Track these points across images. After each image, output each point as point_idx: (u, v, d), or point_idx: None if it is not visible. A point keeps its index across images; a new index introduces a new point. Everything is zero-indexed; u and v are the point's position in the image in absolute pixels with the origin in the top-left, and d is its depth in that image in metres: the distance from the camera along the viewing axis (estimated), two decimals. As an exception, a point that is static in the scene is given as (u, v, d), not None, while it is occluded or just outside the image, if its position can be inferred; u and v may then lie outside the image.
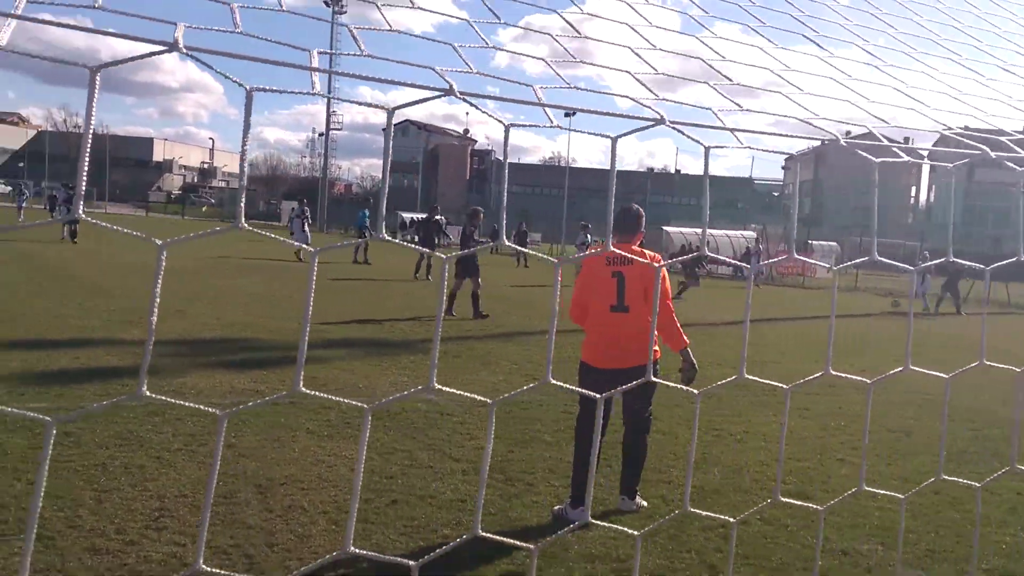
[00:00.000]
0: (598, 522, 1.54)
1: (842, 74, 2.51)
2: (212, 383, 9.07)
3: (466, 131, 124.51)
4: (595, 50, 2.58)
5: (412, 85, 1.20)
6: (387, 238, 1.31)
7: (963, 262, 1.68)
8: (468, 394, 1.47)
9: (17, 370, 8.94)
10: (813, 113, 2.41)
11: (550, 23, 2.65)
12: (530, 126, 1.45)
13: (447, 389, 1.41)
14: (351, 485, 6.14)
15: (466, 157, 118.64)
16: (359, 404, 1.28)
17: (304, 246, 1.48)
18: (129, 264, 21.82)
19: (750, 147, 1.52)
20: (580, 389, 1.51)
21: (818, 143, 2.60)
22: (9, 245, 24.86)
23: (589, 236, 31.82)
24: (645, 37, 2.28)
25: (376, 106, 1.25)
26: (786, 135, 1.71)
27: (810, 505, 1.84)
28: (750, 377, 1.62)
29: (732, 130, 1.57)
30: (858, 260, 1.64)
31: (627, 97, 1.92)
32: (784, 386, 1.64)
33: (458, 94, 1.23)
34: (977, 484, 1.86)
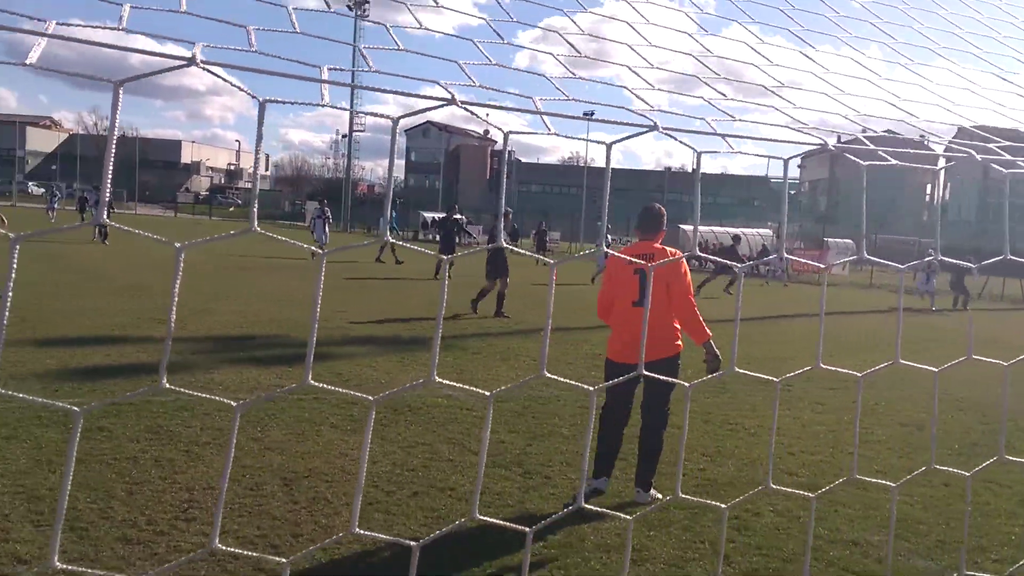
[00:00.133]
0: (590, 506, 1.58)
1: (869, 72, 2.54)
2: (239, 379, 9.18)
3: (486, 132, 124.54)
4: (612, 51, 2.62)
5: (416, 95, 1.25)
6: (391, 240, 1.36)
7: (949, 260, 1.71)
8: (466, 387, 1.52)
9: (53, 367, 9.08)
10: (825, 111, 2.44)
11: (568, 25, 2.69)
12: (529, 133, 1.49)
13: (446, 382, 1.46)
14: (374, 477, 6.21)
15: (486, 157, 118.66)
16: (364, 396, 1.33)
17: (315, 249, 1.53)
18: (159, 263, 22.05)
19: (740, 151, 1.56)
20: (573, 382, 1.55)
21: (834, 141, 2.63)
22: (42, 246, 25.18)
23: (609, 235, 31.81)
24: (646, 37, 2.32)
25: (380, 115, 1.29)
26: (777, 140, 1.74)
27: (801, 492, 1.87)
28: (739, 371, 1.66)
29: (723, 135, 1.60)
30: (847, 259, 1.67)
31: (640, 98, 1.96)
32: (775, 379, 1.67)
33: (459, 103, 1.28)
34: (967, 473, 1.89)
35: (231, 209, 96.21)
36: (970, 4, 3.48)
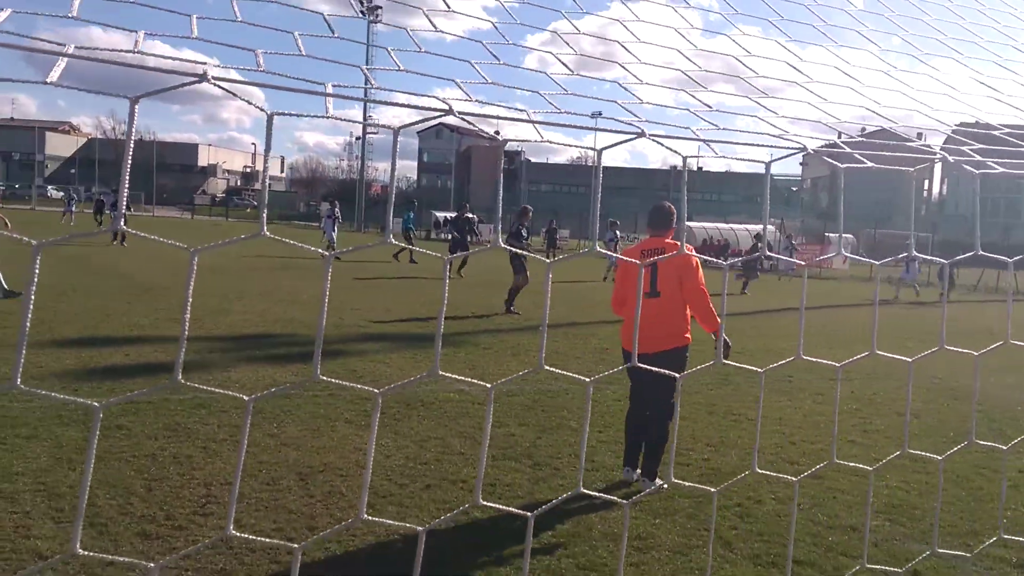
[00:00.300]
0: (588, 491, 1.62)
1: (853, 72, 2.57)
2: (256, 377, 9.24)
3: (497, 132, 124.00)
4: (618, 53, 2.66)
5: (415, 107, 1.29)
6: (393, 241, 1.40)
7: (922, 256, 1.74)
8: (468, 379, 1.56)
9: (72, 367, 9.16)
10: (825, 112, 2.47)
11: (579, 27, 2.72)
12: (522, 141, 1.53)
13: (449, 375, 1.50)
14: (388, 471, 6.27)
15: (497, 158, 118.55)
16: (370, 389, 1.37)
17: (324, 252, 1.57)
18: (175, 264, 22.15)
19: (724, 156, 1.59)
20: (570, 373, 1.59)
21: (835, 138, 2.66)
22: (62, 248, 25.33)
23: (617, 232, 31.75)
24: (649, 40, 2.36)
25: (382, 126, 1.33)
26: (759, 144, 1.77)
27: (785, 477, 1.90)
28: (727, 363, 1.70)
29: (707, 141, 1.64)
30: (829, 255, 1.70)
31: (639, 99, 2.00)
32: (759, 369, 1.71)
33: (456, 114, 1.32)
34: (939, 457, 1.92)
35: (247, 211, 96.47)
36: (954, 10, 3.51)
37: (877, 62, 3.18)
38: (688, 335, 6.16)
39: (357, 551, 4.88)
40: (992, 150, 2.05)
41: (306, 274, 22.74)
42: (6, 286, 14.13)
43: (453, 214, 32.51)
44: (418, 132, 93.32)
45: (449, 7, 1.97)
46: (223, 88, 1.13)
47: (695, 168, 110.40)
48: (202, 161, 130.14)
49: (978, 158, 1.85)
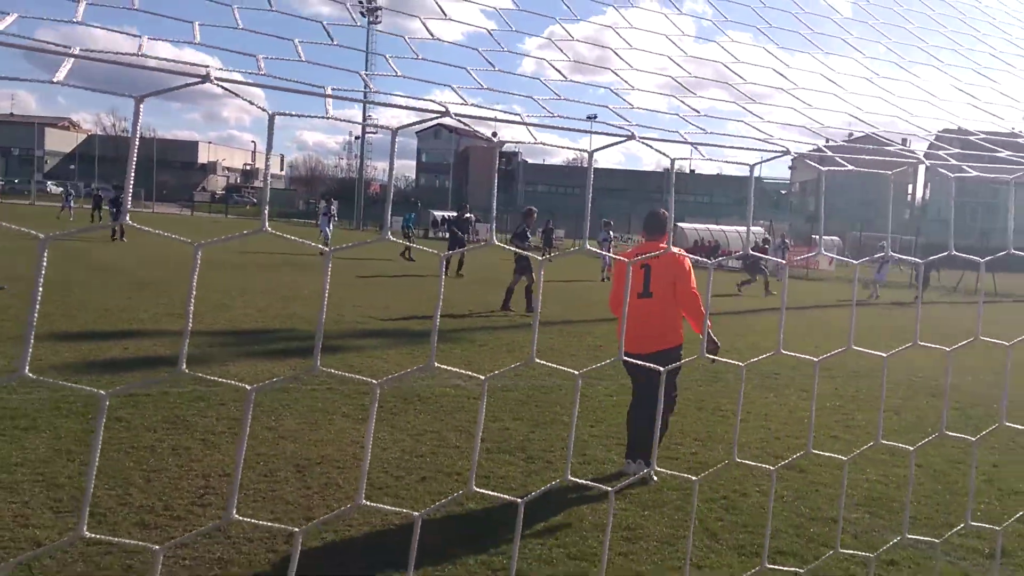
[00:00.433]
0: (576, 479, 1.65)
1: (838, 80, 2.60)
2: (255, 371, 9.26)
3: (494, 133, 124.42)
4: (613, 58, 2.68)
5: (413, 109, 1.31)
6: (392, 238, 1.43)
7: (898, 256, 1.77)
8: (463, 372, 1.59)
9: (71, 360, 9.15)
10: (810, 119, 2.50)
11: (573, 33, 2.75)
12: (518, 143, 1.56)
13: (445, 367, 1.53)
14: (384, 464, 6.29)
15: (494, 159, 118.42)
16: (369, 380, 1.39)
17: (323, 248, 1.60)
18: (174, 260, 22.12)
19: (712, 159, 1.62)
20: (560, 367, 1.62)
21: (820, 143, 2.69)
22: (62, 244, 25.26)
23: (611, 232, 31.75)
24: (640, 46, 2.38)
25: (381, 126, 1.36)
26: (745, 148, 1.80)
27: (763, 466, 1.93)
28: (708, 356, 1.73)
29: (694, 144, 1.67)
30: (808, 255, 1.73)
31: (630, 103, 2.02)
32: (740, 363, 1.74)
33: (453, 116, 1.34)
34: (911, 448, 1.96)
35: (247, 208, 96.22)
36: (936, 18, 3.54)
37: (861, 69, 3.21)
38: (680, 335, 6.27)
39: (352, 540, 4.91)
40: (970, 155, 2.08)
41: (306, 270, 22.74)
42: None
43: (453, 213, 32.62)
44: (417, 133, 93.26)
45: (446, 14, 1.99)
46: (225, 88, 1.15)
47: (688, 171, 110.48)
48: (202, 158, 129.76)
49: (954, 163, 1.89)
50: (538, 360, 1.51)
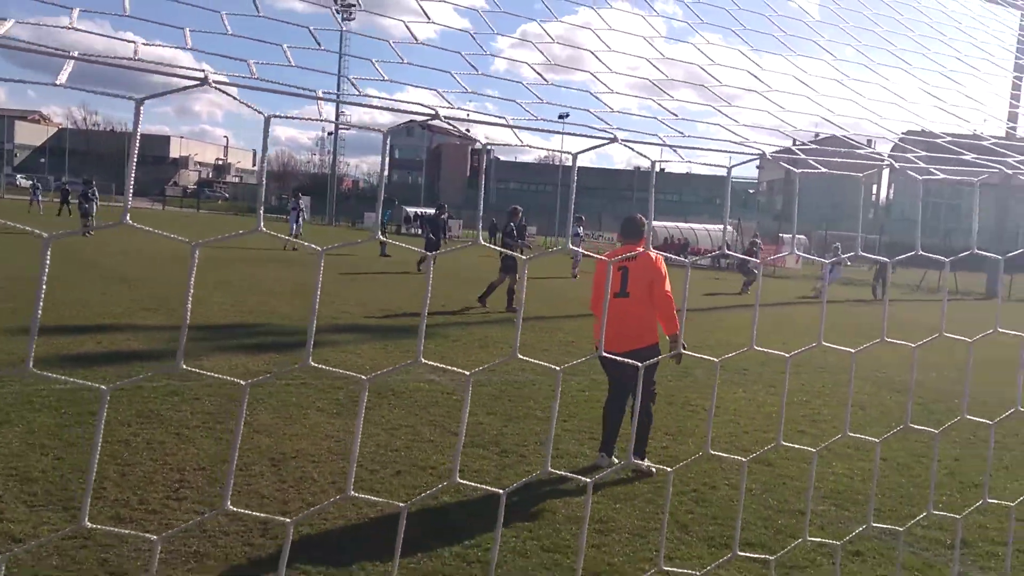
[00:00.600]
0: (556, 471, 1.69)
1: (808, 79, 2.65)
2: (229, 365, 9.20)
3: (467, 131, 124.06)
4: (586, 57, 2.71)
5: (402, 111, 1.34)
6: (382, 238, 1.45)
7: (871, 256, 1.81)
8: (450, 367, 1.61)
9: (43, 354, 9.03)
10: (783, 121, 2.55)
11: (544, 32, 2.77)
12: (503, 144, 1.58)
13: (432, 363, 1.55)
14: (359, 458, 6.29)
15: (466, 156, 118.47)
16: (358, 376, 1.42)
17: (291, 239, 1.62)
18: (146, 254, 21.89)
19: (690, 162, 1.66)
20: (541, 362, 1.66)
21: (788, 144, 2.73)
22: (34, 239, 24.89)
23: (582, 228, 31.79)
24: (612, 45, 2.42)
25: (373, 129, 1.38)
26: (722, 150, 1.84)
27: (735, 458, 1.99)
28: (686, 352, 1.77)
29: (673, 147, 1.71)
30: (783, 254, 1.78)
31: (606, 104, 2.06)
32: (715, 359, 1.78)
33: (443, 118, 1.37)
34: (876, 440, 2.02)
35: (219, 203, 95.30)
36: (904, 21, 3.62)
37: (832, 71, 3.27)
38: (656, 334, 6.43)
39: (328, 533, 4.91)
40: (937, 157, 2.14)
41: (281, 266, 22.61)
42: None
43: (423, 210, 32.67)
44: (389, 129, 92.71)
45: (429, 18, 2.01)
46: (224, 91, 1.17)
47: (658, 170, 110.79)
48: (174, 153, 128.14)
49: (923, 165, 1.94)
50: (521, 356, 1.54)
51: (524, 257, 1.64)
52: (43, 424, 6.49)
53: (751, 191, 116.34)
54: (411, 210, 61.37)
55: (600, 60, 2.55)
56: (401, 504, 1.41)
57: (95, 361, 8.97)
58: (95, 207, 30.37)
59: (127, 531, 1.50)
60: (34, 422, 6.52)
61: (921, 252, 1.85)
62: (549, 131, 1.64)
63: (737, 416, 8.46)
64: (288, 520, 1.34)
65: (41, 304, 1.14)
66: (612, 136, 1.53)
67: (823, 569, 4.76)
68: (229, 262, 21.90)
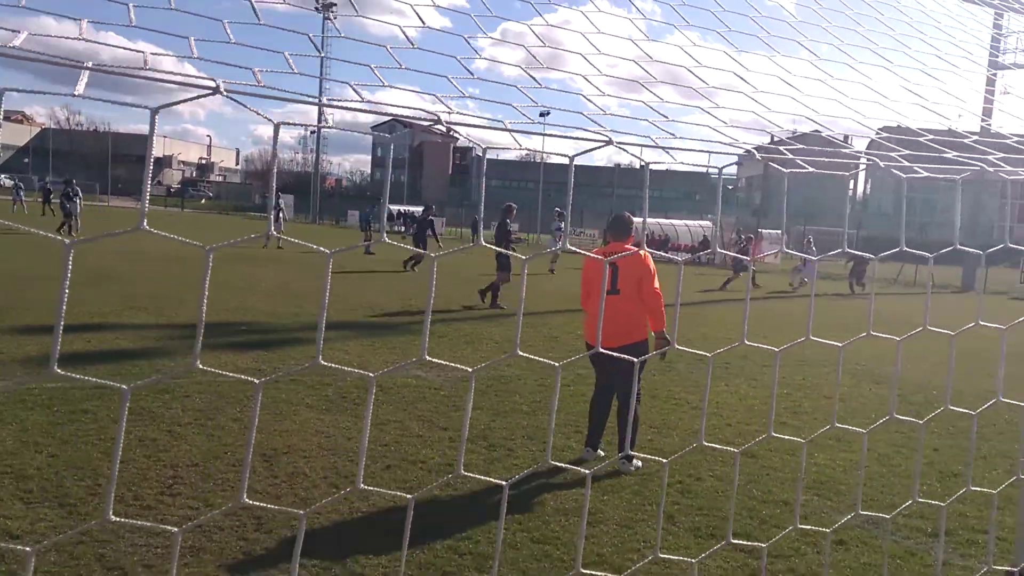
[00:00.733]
0: (555, 462, 1.72)
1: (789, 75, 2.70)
2: (218, 363, 9.18)
3: (449, 129, 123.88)
4: (566, 56, 2.74)
5: (399, 119, 1.36)
6: (388, 241, 1.47)
7: (855, 252, 1.85)
8: (454, 364, 1.64)
9: (34, 353, 8.98)
10: (768, 121, 2.59)
11: (525, 30, 2.80)
12: (502, 148, 1.61)
13: (437, 361, 1.58)
14: (349, 453, 6.31)
15: (449, 154, 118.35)
16: (366, 374, 1.44)
17: (275, 234, 1.65)
18: (131, 253, 21.74)
19: (682, 163, 1.70)
20: (542, 359, 1.69)
21: (766, 141, 2.78)
22: (18, 237, 24.67)
23: (564, 223, 31.77)
24: (595, 44, 2.45)
25: (377, 133, 1.40)
26: (708, 151, 1.88)
27: (728, 448, 2.03)
28: (679, 348, 1.81)
29: (665, 148, 1.74)
30: (771, 252, 1.82)
31: (593, 103, 2.09)
32: (707, 354, 1.83)
33: (444, 123, 1.39)
34: (864, 431, 2.07)
35: (203, 202, 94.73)
36: (884, 20, 3.67)
37: (814, 70, 3.32)
38: (645, 331, 6.51)
39: (322, 529, 4.92)
40: (915, 155, 2.19)
41: (264, 264, 22.53)
42: None
43: (417, 209, 32.76)
44: (372, 127, 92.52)
45: (424, 23, 2.03)
46: (236, 100, 1.19)
47: (638, 166, 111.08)
48: (157, 152, 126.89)
49: (906, 163, 1.99)
50: (522, 353, 1.57)
51: (523, 257, 1.67)
52: (36, 422, 6.47)
53: (730, 187, 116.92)
54: (395, 208, 61.42)
55: (588, 61, 2.58)
56: (408, 496, 1.44)
57: (85, 360, 8.93)
58: (79, 206, 30.07)
59: (148, 523, 1.52)
60: (27, 420, 6.49)
61: (906, 248, 1.90)
62: (547, 135, 1.67)
63: (720, 409, 8.54)
64: (301, 512, 1.37)
65: (64, 307, 1.16)
66: (607, 139, 1.56)
67: (808, 558, 4.83)
68: (212, 262, 21.76)
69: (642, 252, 6.75)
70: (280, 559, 4.46)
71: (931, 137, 2.42)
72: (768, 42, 3.35)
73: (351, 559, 4.50)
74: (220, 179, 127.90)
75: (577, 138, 1.59)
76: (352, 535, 4.86)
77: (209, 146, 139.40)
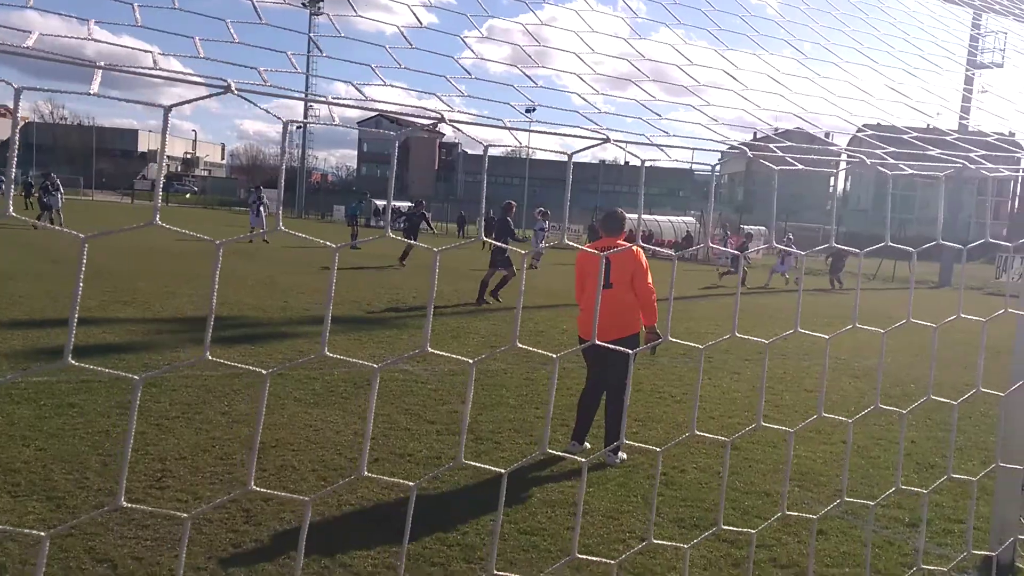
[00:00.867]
0: (552, 451, 1.75)
1: (776, 73, 2.73)
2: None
3: (434, 125, 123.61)
4: (553, 53, 2.76)
5: (402, 116, 1.39)
6: (392, 236, 1.50)
7: (843, 247, 1.91)
8: (456, 356, 1.67)
9: (20, 348, 8.92)
10: (757, 118, 2.63)
11: (513, 27, 2.82)
12: (502, 146, 1.64)
13: (439, 353, 1.61)
14: (337, 446, 6.33)
15: (435, 149, 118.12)
16: (371, 365, 1.47)
17: (259, 230, 1.67)
18: (117, 248, 21.57)
19: (677, 160, 1.74)
20: (540, 350, 1.72)
21: (750, 138, 2.81)
22: (5, 232, 24.44)
23: (547, 222, 31.70)
24: (586, 41, 2.48)
25: (382, 136, 1.43)
26: (696, 148, 1.92)
27: (719, 437, 2.06)
28: (672, 339, 1.84)
29: (660, 146, 1.77)
30: (761, 247, 1.85)
31: (585, 100, 2.12)
32: (699, 346, 1.86)
33: (448, 122, 1.42)
34: (848, 420, 2.11)
35: (187, 196, 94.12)
36: (870, 20, 3.73)
37: (801, 68, 3.37)
38: (638, 325, 6.57)
39: (311, 522, 4.94)
40: (899, 152, 2.24)
41: (252, 259, 22.43)
42: None
43: (409, 204, 32.75)
44: (358, 122, 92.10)
45: (421, 23, 2.06)
46: (247, 99, 1.21)
47: (622, 163, 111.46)
48: (142, 147, 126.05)
49: (891, 160, 2.03)
50: (519, 344, 1.60)
51: (523, 252, 1.70)
52: (23, 416, 6.44)
53: (713, 183, 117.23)
54: (380, 203, 61.27)
55: (581, 59, 2.61)
56: (411, 484, 1.47)
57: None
58: (60, 200, 29.68)
59: (160, 510, 1.53)
60: (14, 414, 6.46)
61: (891, 244, 1.94)
62: (545, 132, 1.70)
63: (703, 403, 8.61)
64: (307, 499, 1.39)
65: (79, 300, 1.18)
66: (605, 136, 1.59)
67: (789, 547, 4.90)
68: (194, 255, 21.67)
69: (635, 248, 6.83)
70: (270, 552, 4.47)
71: (914, 135, 2.46)
72: (756, 40, 3.39)
73: (340, 551, 4.52)
74: (206, 174, 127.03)
75: (575, 136, 1.62)
76: (340, 527, 4.88)
77: (194, 140, 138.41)
